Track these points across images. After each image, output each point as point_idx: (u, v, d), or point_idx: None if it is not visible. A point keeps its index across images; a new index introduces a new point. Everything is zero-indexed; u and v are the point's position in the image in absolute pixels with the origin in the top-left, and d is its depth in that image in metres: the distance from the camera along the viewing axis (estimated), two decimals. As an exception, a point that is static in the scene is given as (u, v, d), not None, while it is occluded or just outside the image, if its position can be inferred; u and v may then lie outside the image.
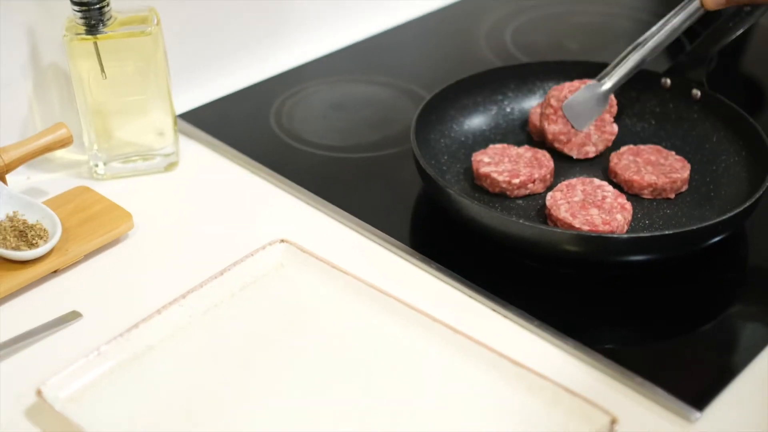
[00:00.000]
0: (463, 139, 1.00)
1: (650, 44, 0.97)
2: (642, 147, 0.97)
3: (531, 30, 1.29)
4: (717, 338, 0.79)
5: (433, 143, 0.97)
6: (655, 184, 0.91)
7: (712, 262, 0.86)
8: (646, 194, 0.92)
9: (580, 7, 1.36)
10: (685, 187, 0.93)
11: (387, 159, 1.00)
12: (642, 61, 0.97)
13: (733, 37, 1.01)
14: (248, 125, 1.06)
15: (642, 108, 1.03)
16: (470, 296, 0.82)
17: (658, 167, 0.93)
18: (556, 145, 0.97)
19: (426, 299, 0.81)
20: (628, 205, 0.87)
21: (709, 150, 0.97)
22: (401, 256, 0.87)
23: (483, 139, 1.01)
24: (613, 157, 0.95)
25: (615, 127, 0.98)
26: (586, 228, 0.83)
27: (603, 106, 0.97)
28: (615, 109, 0.99)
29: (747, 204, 0.82)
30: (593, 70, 1.04)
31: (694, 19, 0.97)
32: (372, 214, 0.91)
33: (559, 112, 0.97)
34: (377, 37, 1.25)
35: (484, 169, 0.93)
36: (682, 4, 0.97)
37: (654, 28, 0.97)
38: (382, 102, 1.11)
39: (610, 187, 0.89)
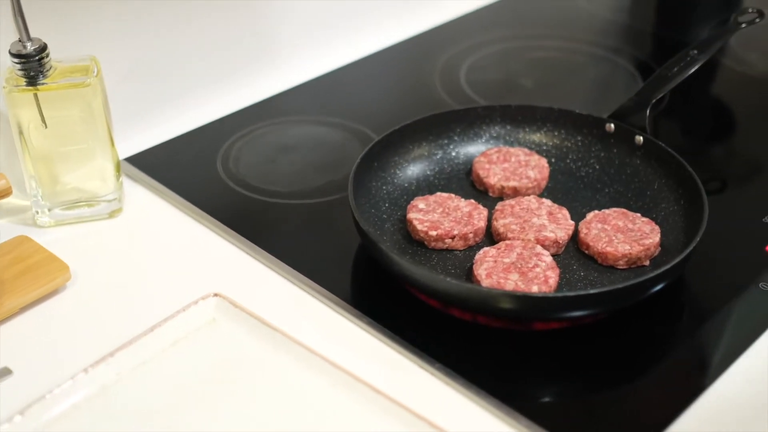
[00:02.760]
0: (406, 185, 1.00)
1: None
2: (607, 212, 0.94)
3: (486, 67, 1.29)
4: (646, 394, 0.80)
5: (374, 191, 0.97)
6: (629, 254, 0.89)
7: (647, 312, 0.86)
8: (621, 264, 0.89)
9: (537, 43, 1.36)
10: (657, 252, 0.91)
11: (331, 206, 1.00)
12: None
13: (676, 83, 1.02)
14: (194, 169, 1.06)
15: (587, 152, 1.03)
16: (402, 353, 0.82)
17: (629, 234, 0.91)
18: (509, 235, 0.91)
19: (357, 356, 0.81)
20: (553, 281, 0.85)
21: (650, 198, 0.97)
22: (336, 311, 0.87)
23: (427, 185, 1.01)
24: (582, 227, 0.92)
25: (570, 223, 0.93)
26: None
27: None
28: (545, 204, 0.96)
29: (667, 266, 0.82)
30: (539, 114, 1.05)
31: None
32: (311, 266, 0.91)
33: (506, 209, 0.94)
34: (329, 76, 1.25)
35: (410, 215, 0.93)
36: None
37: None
38: (331, 144, 1.12)
39: (548, 258, 0.87)
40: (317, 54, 1.26)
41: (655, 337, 0.85)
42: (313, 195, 1.02)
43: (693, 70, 1.03)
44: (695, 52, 1.05)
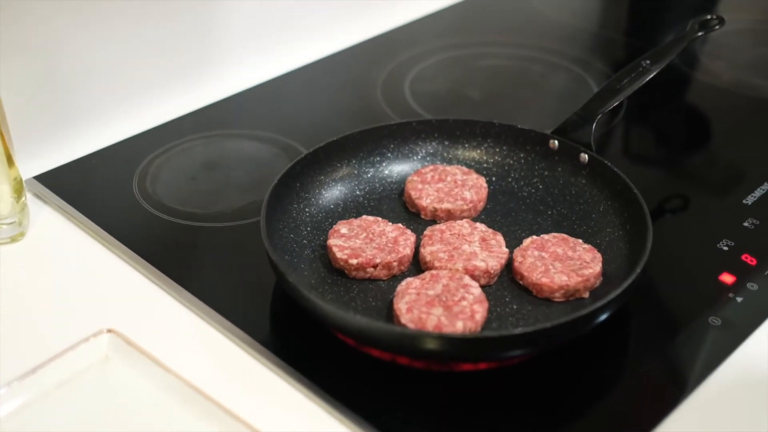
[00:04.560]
0: (332, 206, 0.93)
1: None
2: (546, 238, 0.86)
3: (432, 77, 1.21)
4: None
5: (295, 213, 0.90)
6: (567, 285, 0.81)
7: (586, 347, 0.78)
8: (558, 297, 0.81)
9: (489, 50, 1.28)
10: (599, 283, 0.83)
11: (250, 230, 0.91)
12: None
13: (626, 95, 0.95)
14: (107, 188, 0.98)
15: (530, 170, 0.96)
16: (316, 402, 0.74)
17: (567, 263, 0.83)
18: (437, 264, 0.84)
19: (266, 404, 0.74)
20: (480, 316, 0.77)
21: (595, 221, 0.90)
22: (248, 352, 0.79)
23: (355, 207, 0.93)
24: (517, 255, 0.84)
25: (504, 251, 0.85)
26: (411, 326, 0.76)
27: None
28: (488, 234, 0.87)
29: (604, 300, 0.75)
30: (479, 129, 0.98)
31: None
32: (224, 299, 0.83)
33: (435, 235, 0.87)
34: (263, 86, 1.17)
35: (330, 241, 0.85)
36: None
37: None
38: (259, 160, 1.04)
39: (476, 290, 0.79)
40: (250, 62, 1.18)
41: (594, 377, 0.78)
42: (232, 217, 0.94)
43: (645, 81, 0.96)
44: (648, 62, 0.98)
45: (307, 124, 1.10)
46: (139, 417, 0.73)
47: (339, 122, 1.08)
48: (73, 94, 1.04)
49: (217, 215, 0.95)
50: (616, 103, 0.95)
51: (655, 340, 0.81)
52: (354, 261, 0.83)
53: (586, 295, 0.82)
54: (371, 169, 0.96)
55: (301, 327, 0.80)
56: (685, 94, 1.24)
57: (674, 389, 0.77)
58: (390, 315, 0.80)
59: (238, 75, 1.17)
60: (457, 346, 0.73)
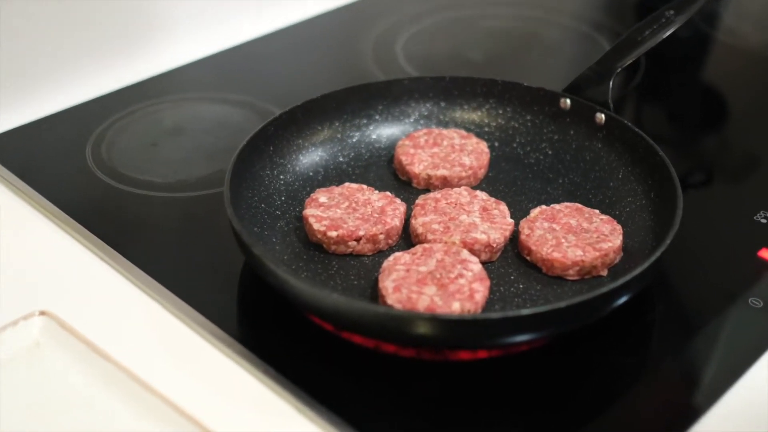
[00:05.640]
0: (311, 174, 0.81)
1: None
2: (558, 208, 0.75)
3: (430, 38, 1.09)
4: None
5: (267, 180, 0.78)
6: (582, 261, 0.69)
7: (604, 335, 0.67)
8: (572, 275, 0.70)
9: (493, 10, 1.16)
10: (619, 259, 0.72)
11: (216, 200, 0.79)
12: None
13: (646, 50, 0.83)
14: (56, 155, 0.86)
15: (538, 134, 0.85)
16: (283, 396, 0.63)
17: (583, 236, 0.71)
18: (430, 237, 0.72)
19: (222, 397, 0.63)
20: (480, 296, 0.66)
21: (614, 191, 0.78)
22: (209, 341, 0.67)
23: (338, 175, 0.82)
24: (524, 227, 0.73)
25: (508, 221, 0.74)
26: (398, 306, 0.64)
27: None
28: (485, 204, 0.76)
29: (628, 277, 0.63)
30: (480, 87, 0.86)
31: None
32: (182, 280, 0.72)
33: (429, 204, 0.75)
34: (243, 47, 1.05)
35: (307, 210, 0.74)
36: None
37: None
38: (231, 126, 0.92)
39: (476, 266, 0.68)
40: (228, 21, 1.06)
41: (612, 371, 0.66)
42: (196, 186, 0.83)
43: (668, 33, 0.84)
44: (671, 12, 0.86)
45: (288, 88, 0.98)
46: (72, 413, 0.61)
47: (324, 85, 0.95)
48: (19, 52, 0.92)
49: (179, 184, 0.83)
50: (636, 57, 0.83)
51: (684, 326, 0.70)
52: (333, 233, 0.72)
53: (605, 272, 0.70)
54: (357, 133, 0.85)
55: (272, 312, 0.69)
56: (707, 58, 1.12)
57: (708, 386, 0.65)
58: (375, 295, 0.68)
59: (215, 34, 1.05)
60: (453, 329, 0.61)
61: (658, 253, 0.65)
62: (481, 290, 0.66)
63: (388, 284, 0.67)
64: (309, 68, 1.03)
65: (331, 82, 0.95)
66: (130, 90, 0.96)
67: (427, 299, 0.65)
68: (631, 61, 0.82)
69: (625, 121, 0.79)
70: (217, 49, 1.04)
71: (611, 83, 0.81)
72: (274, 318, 0.69)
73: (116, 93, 0.96)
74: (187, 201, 0.81)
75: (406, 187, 0.81)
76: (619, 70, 0.81)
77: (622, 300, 0.65)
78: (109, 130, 0.90)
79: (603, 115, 0.81)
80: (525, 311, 0.60)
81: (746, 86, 1.06)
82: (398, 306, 0.65)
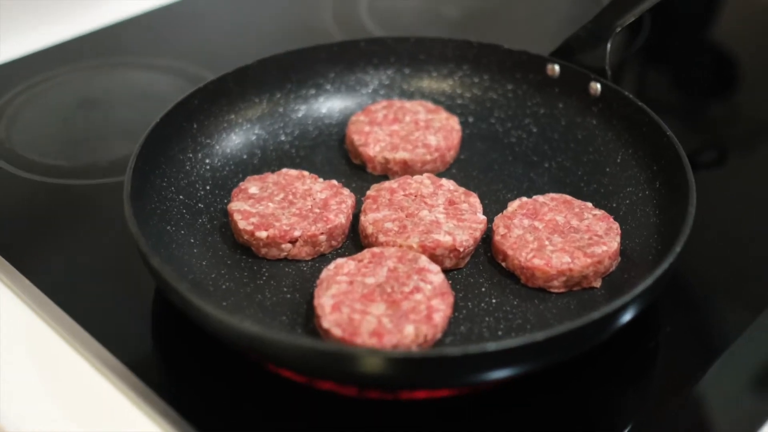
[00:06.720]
0: (244, 157, 0.69)
1: None
2: (541, 200, 0.63)
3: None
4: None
5: (188, 165, 0.65)
6: (569, 269, 0.57)
7: (595, 363, 0.55)
8: (557, 286, 0.58)
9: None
10: (615, 265, 0.59)
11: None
12: None
13: (650, 6, 0.70)
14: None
15: (520, 108, 0.74)
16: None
17: (571, 237, 0.60)
18: (382, 238, 0.60)
19: None
20: (440, 318, 0.53)
21: (610, 177, 0.67)
22: (104, 375, 0.55)
23: (278, 158, 0.70)
24: (499, 225, 0.61)
25: (479, 218, 0.61)
26: (336, 330, 0.51)
27: None
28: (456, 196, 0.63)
29: (629, 295, 0.50)
30: (451, 50, 0.74)
31: None
32: (79, 294, 0.60)
33: (382, 197, 0.62)
34: (176, 6, 0.92)
35: (232, 205, 0.61)
36: None
37: None
38: (157, 96, 0.81)
39: (437, 277, 0.55)
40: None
41: (606, 409, 0.55)
42: (108, 172, 0.71)
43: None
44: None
45: (230, 51, 0.87)
46: None
47: (268, 49, 0.82)
48: None
49: (89, 169, 0.71)
50: (639, 15, 0.71)
51: (698, 352, 0.57)
52: (263, 234, 0.59)
53: (598, 283, 0.58)
54: (302, 106, 0.74)
55: (191, 339, 0.55)
56: (719, 15, 1.02)
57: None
58: (311, 314, 0.55)
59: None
60: (399, 368, 0.47)
61: (666, 265, 0.52)
62: (442, 309, 0.54)
63: (324, 301, 0.54)
64: (255, 27, 0.92)
65: (278, 44, 0.81)
66: (38, 56, 0.85)
67: (373, 321, 0.52)
68: (632, 19, 0.71)
69: (625, 92, 0.69)
70: (147, 8, 0.91)
71: (609, 45, 0.71)
72: (189, 344, 0.55)
73: (22, 59, 0.84)
74: (96, 190, 0.70)
75: (360, 173, 0.69)
76: (619, 29, 0.70)
77: (620, 324, 0.52)
78: (10, 105, 0.77)
79: (598, 85, 0.70)
80: (491, 346, 0.46)
81: (763, 46, 0.94)
82: (336, 330, 0.52)
